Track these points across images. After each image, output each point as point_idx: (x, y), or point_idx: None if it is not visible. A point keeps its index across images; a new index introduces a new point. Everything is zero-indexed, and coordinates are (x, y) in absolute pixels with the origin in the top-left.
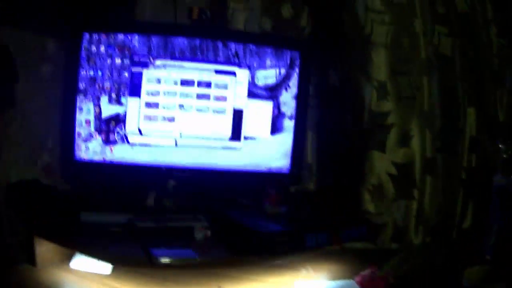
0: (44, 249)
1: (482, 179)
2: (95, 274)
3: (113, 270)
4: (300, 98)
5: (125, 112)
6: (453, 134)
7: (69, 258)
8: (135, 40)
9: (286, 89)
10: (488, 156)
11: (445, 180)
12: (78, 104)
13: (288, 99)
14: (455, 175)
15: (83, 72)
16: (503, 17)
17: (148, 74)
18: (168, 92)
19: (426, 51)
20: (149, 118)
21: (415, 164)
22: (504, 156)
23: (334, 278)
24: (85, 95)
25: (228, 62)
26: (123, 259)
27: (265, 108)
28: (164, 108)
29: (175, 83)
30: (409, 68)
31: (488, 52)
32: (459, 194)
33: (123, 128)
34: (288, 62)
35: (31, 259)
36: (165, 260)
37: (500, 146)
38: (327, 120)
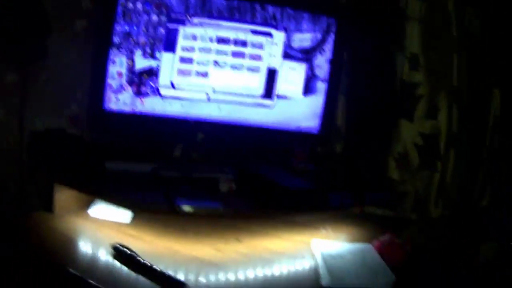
0: (63, 196)
1: (503, 160)
2: (114, 222)
3: (132, 219)
4: (333, 62)
5: (159, 66)
6: (478, 112)
7: (88, 206)
8: None
9: (320, 53)
10: (510, 138)
11: (468, 156)
12: (111, 56)
13: (322, 63)
14: (477, 152)
15: (118, 27)
16: None
17: (184, 31)
18: (203, 49)
19: (457, 29)
20: (182, 72)
21: (441, 137)
22: None
23: (352, 240)
24: (119, 49)
25: (265, 23)
26: (145, 206)
27: (299, 69)
28: (198, 63)
29: (211, 40)
30: (440, 44)
31: None
32: (480, 172)
33: (156, 81)
34: (324, 27)
35: (49, 206)
36: (187, 209)
37: None
38: (358, 86)
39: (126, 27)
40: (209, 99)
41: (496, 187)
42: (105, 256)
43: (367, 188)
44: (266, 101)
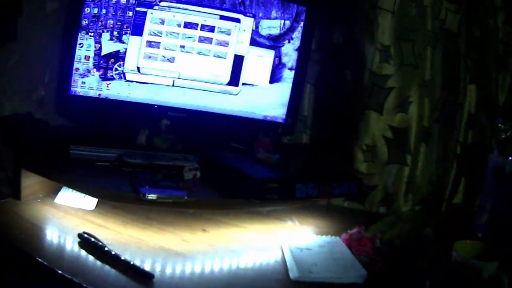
0: (30, 183)
1: (476, 156)
2: (79, 209)
3: (97, 206)
4: (302, 50)
5: (125, 50)
6: (451, 107)
7: (54, 192)
8: None
9: (289, 41)
10: (484, 134)
11: (439, 151)
12: (79, 40)
13: (290, 51)
14: (450, 148)
15: (87, 10)
16: None
17: (152, 15)
18: (171, 33)
19: (432, 23)
20: (149, 57)
21: (411, 130)
22: (503, 136)
23: (320, 233)
24: (87, 32)
25: (233, 9)
26: (109, 193)
27: (266, 56)
28: (165, 48)
29: (179, 25)
30: (413, 37)
31: (494, 36)
32: (452, 167)
33: (122, 66)
34: (294, 15)
35: (16, 193)
36: (151, 196)
37: (499, 125)
38: (327, 76)
39: (95, 10)
40: (174, 85)
41: (470, 184)
42: (71, 245)
43: (335, 178)
44: (232, 88)
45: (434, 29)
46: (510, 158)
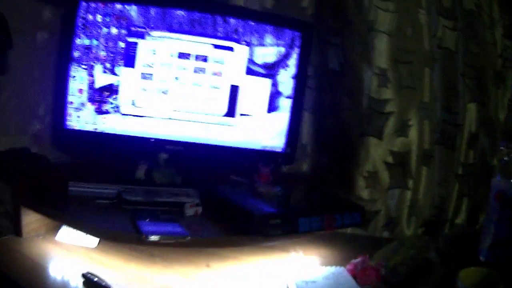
0: (31, 220)
1: (478, 176)
2: (81, 247)
3: (99, 243)
4: (298, 78)
5: (119, 83)
6: (452, 128)
7: (55, 229)
8: (133, 10)
9: (284, 68)
10: (486, 154)
11: (441, 173)
12: (71, 72)
13: (286, 78)
14: (451, 169)
15: (78, 41)
16: (510, 19)
17: (144, 45)
18: (164, 64)
19: (430, 42)
20: (143, 89)
21: (411, 154)
22: (505, 159)
23: (324, 263)
24: (79, 64)
25: (227, 37)
26: (110, 233)
27: (263, 85)
28: (159, 80)
29: (172, 55)
30: (411, 58)
31: (492, 51)
32: (454, 188)
33: (116, 99)
34: (289, 41)
35: (18, 230)
36: (154, 237)
37: (501, 148)
38: (324, 102)
39: (86, 41)
40: (170, 118)
41: (472, 203)
42: (75, 285)
43: (338, 208)
44: (229, 120)
45: (431, 48)
46: None
